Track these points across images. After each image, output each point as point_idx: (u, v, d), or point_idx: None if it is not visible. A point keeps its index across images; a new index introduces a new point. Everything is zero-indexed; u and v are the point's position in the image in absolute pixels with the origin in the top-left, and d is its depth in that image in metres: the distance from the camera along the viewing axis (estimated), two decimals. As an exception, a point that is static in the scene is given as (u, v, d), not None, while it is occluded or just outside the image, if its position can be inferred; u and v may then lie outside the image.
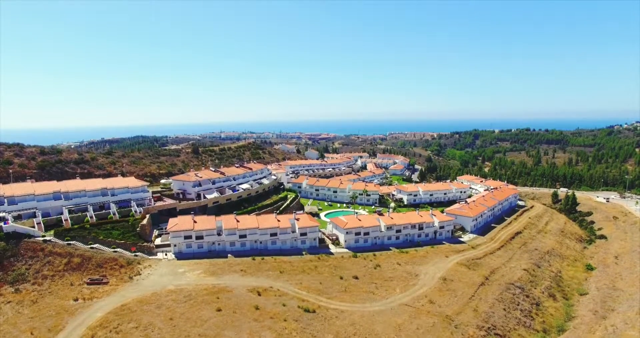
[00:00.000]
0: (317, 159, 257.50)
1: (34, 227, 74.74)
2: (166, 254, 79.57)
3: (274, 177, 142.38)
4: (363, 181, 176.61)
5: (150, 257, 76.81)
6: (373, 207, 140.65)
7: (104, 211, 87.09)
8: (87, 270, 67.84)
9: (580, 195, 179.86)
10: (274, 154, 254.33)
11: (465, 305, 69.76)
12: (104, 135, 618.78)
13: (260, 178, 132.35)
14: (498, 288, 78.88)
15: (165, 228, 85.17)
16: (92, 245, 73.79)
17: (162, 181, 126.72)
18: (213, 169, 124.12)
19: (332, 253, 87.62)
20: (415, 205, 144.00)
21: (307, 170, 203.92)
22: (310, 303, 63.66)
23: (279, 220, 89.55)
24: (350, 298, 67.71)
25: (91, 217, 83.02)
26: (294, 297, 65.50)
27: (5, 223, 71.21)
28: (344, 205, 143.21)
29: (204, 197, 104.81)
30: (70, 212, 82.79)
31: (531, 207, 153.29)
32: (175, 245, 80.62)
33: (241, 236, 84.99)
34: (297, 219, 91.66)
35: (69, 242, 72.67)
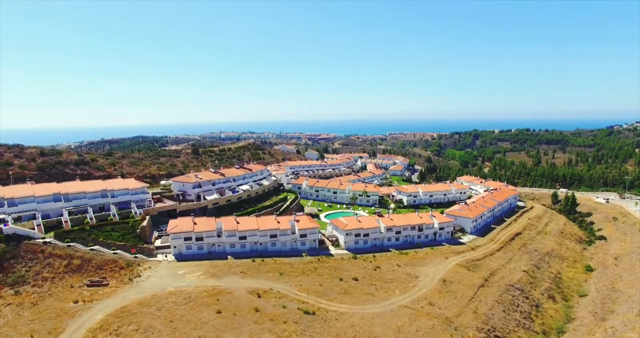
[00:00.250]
0: (317, 160, 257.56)
1: (34, 228, 74.84)
2: (166, 256, 79.61)
3: (273, 178, 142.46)
4: (363, 182, 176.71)
5: (150, 259, 76.87)
6: (373, 208, 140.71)
7: (104, 213, 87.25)
8: (87, 272, 67.92)
9: (580, 195, 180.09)
10: (273, 155, 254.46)
11: (464, 307, 69.84)
12: (103, 135, 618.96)
13: (260, 180, 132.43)
14: (498, 289, 78.97)
15: (165, 229, 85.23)
16: (92, 247, 73.89)
17: (162, 182, 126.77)
18: (213, 170, 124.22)
19: (332, 255, 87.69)
20: (415, 206, 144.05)
21: (307, 170, 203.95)
22: (310, 305, 63.73)
23: (278, 222, 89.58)
24: (350, 300, 67.78)
25: (91, 219, 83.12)
26: (293, 298, 65.57)
27: (5, 225, 71.38)
28: (344, 206, 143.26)
29: (204, 199, 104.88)
30: (70, 213, 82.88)
31: (531, 208, 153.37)
32: (175, 247, 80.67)
33: (241, 238, 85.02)
34: (297, 221, 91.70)
35: (69, 243, 72.76)
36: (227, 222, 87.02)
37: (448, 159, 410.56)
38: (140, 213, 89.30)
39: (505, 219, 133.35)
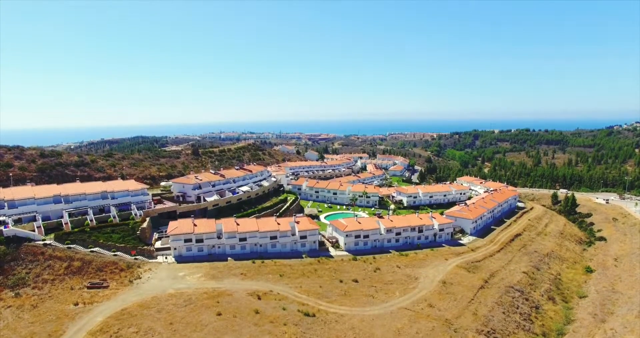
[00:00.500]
0: (317, 160, 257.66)
1: (34, 230, 74.87)
2: (166, 257, 79.66)
3: (273, 179, 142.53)
4: (363, 183, 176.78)
5: (150, 261, 76.91)
6: (373, 209, 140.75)
7: (104, 214, 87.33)
8: (87, 274, 67.96)
9: (580, 196, 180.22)
10: (273, 155, 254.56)
11: (464, 308, 69.91)
12: (103, 135, 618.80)
13: (260, 181, 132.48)
14: (497, 291, 79.03)
15: (166, 231, 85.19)
16: (92, 249, 73.96)
17: (162, 183, 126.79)
18: (213, 172, 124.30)
19: (332, 256, 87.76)
20: (415, 207, 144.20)
21: (307, 171, 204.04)
22: (310, 307, 63.80)
23: (278, 223, 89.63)
24: (350, 302, 67.84)
25: (91, 221, 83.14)
26: (293, 300, 65.64)
27: (5, 227, 71.49)
28: (344, 207, 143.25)
29: (204, 200, 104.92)
30: (70, 215, 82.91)
31: (531, 209, 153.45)
32: (175, 249, 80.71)
33: (241, 239, 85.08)
34: (297, 222, 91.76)
35: (69, 245, 72.82)
36: (227, 224, 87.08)
37: (448, 159, 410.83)
38: (140, 215, 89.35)
39: (505, 220, 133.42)
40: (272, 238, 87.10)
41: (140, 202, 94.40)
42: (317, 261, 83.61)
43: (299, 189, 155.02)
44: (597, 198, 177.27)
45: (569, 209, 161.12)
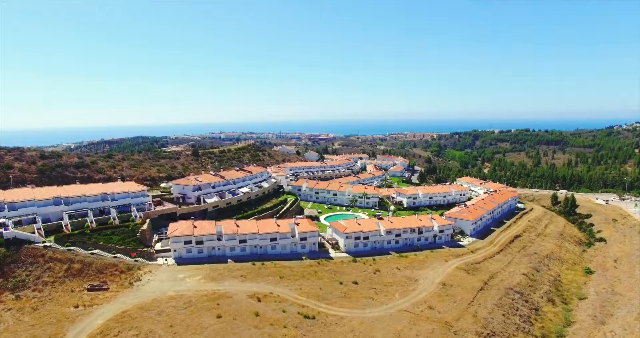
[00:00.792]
0: (317, 161, 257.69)
1: (34, 232, 74.93)
2: (166, 259, 79.74)
3: (273, 180, 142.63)
4: (362, 184, 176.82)
5: (150, 263, 77.00)
6: (373, 210, 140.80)
7: (104, 216, 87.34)
8: (87, 276, 68.02)
9: (580, 197, 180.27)
10: (273, 156, 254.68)
11: (464, 310, 69.98)
12: (103, 135, 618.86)
13: (260, 182, 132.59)
14: (497, 293, 79.11)
15: (166, 233, 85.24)
16: (92, 251, 73.99)
17: (162, 185, 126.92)
18: (213, 173, 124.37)
19: (331, 258, 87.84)
20: (415, 208, 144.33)
21: (306, 172, 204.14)
22: (310, 310, 63.88)
23: (278, 225, 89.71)
24: (350, 304, 67.91)
25: (91, 222, 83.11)
26: (293, 302, 65.70)
27: (5, 229, 71.43)
28: (344, 208, 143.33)
29: (204, 202, 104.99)
30: (70, 217, 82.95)
31: (530, 210, 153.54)
32: (175, 251, 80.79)
33: (241, 241, 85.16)
34: (297, 224, 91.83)
35: (69, 247, 72.82)
36: (227, 226, 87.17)
37: (448, 159, 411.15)
38: (140, 217, 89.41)
39: (505, 221, 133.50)
40: (272, 240, 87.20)
41: (140, 204, 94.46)
42: (317, 263, 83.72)
43: (299, 190, 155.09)
44: (596, 199, 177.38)
45: (569, 210, 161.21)
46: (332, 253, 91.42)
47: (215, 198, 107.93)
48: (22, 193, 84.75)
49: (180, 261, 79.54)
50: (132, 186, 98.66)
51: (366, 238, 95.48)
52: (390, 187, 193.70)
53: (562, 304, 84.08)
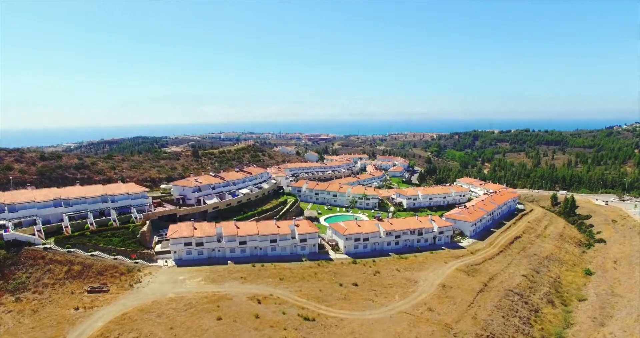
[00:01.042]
0: (317, 161, 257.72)
1: (34, 234, 74.89)
2: (166, 261, 79.82)
3: (273, 181, 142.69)
4: (362, 184, 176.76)
5: (150, 264, 77.08)
6: (372, 211, 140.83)
7: (104, 218, 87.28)
8: (87, 278, 68.10)
9: (580, 197, 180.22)
10: (273, 157, 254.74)
11: (464, 312, 70.06)
12: (103, 135, 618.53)
13: (260, 183, 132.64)
14: (497, 295, 79.18)
15: (166, 234, 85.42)
16: (92, 253, 74.06)
17: (162, 186, 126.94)
18: (213, 174, 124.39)
19: (331, 260, 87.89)
20: (415, 209, 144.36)
21: (306, 173, 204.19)
22: (310, 312, 63.96)
23: (278, 227, 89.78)
24: (350, 306, 68.00)
25: (91, 224, 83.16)
26: (293, 304, 65.79)
27: (5, 231, 71.42)
28: (344, 209, 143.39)
29: (204, 203, 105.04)
30: (70, 219, 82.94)
31: (530, 211, 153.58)
32: (175, 252, 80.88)
33: (241, 242, 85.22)
34: (297, 225, 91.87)
35: (70, 249, 72.92)
36: (227, 227, 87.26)
37: (448, 159, 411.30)
38: (140, 218, 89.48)
39: (505, 222, 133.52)
40: (272, 241, 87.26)
41: (140, 205, 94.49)
42: (317, 264, 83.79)
43: (299, 191, 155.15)
44: (596, 199, 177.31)
45: (569, 211, 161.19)
46: (332, 254, 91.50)
47: (215, 200, 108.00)
48: (22, 194, 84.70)
49: (180, 263, 79.63)
50: (132, 187, 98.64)
51: (366, 239, 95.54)
52: (390, 187, 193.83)
53: (562, 306, 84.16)
